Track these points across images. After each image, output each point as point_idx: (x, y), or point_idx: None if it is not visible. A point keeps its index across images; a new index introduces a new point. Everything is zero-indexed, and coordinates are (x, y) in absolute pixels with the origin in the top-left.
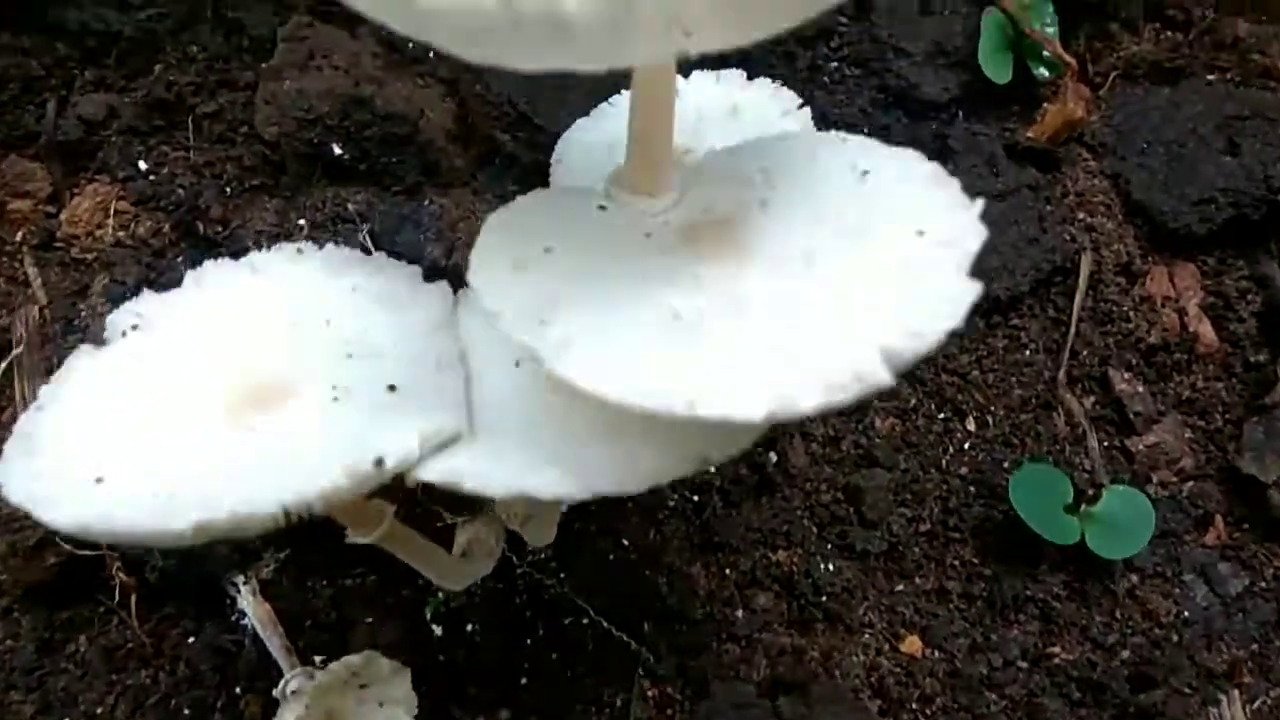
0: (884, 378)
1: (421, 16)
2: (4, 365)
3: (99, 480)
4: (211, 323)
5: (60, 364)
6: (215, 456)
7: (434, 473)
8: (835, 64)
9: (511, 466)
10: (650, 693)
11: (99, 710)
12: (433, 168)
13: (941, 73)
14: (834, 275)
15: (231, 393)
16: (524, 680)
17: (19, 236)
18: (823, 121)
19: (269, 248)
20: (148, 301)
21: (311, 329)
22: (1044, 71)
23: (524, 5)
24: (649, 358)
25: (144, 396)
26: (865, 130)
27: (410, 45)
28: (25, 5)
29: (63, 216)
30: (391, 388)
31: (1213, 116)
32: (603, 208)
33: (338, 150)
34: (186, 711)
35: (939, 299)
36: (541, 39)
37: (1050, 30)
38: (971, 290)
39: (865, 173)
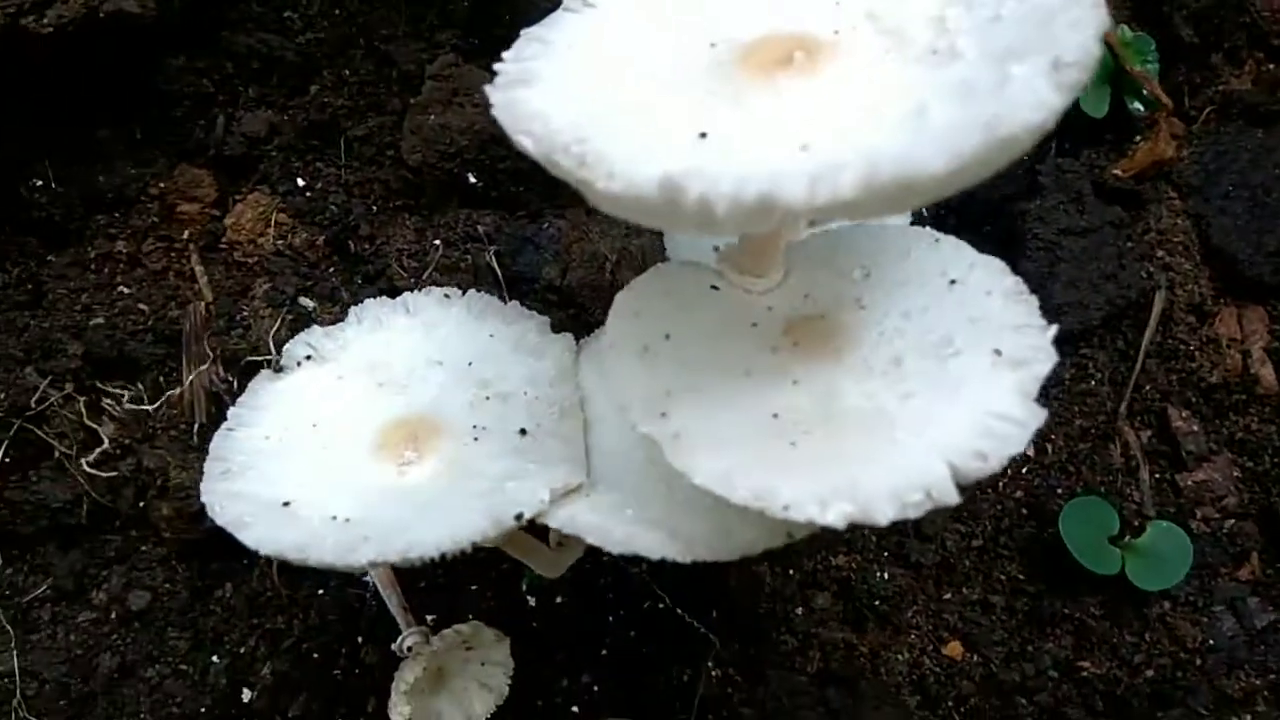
0: (952, 497)
1: (599, 199)
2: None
3: (286, 504)
4: (372, 358)
5: (222, 354)
6: (383, 493)
7: (559, 520)
8: None
9: (625, 525)
10: (714, 674)
11: (241, 650)
12: (553, 192)
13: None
14: (917, 387)
15: (392, 426)
16: (604, 651)
17: (186, 235)
18: None
19: (408, 266)
20: (318, 335)
21: (456, 370)
22: (1140, 107)
23: (684, 198)
24: (749, 459)
25: (318, 425)
26: None
27: None
28: (199, 29)
29: (227, 222)
30: (522, 431)
31: None
32: (715, 288)
33: (472, 179)
34: (315, 656)
35: (1007, 424)
36: (693, 225)
37: (1151, 67)
38: (1037, 417)
39: (953, 281)
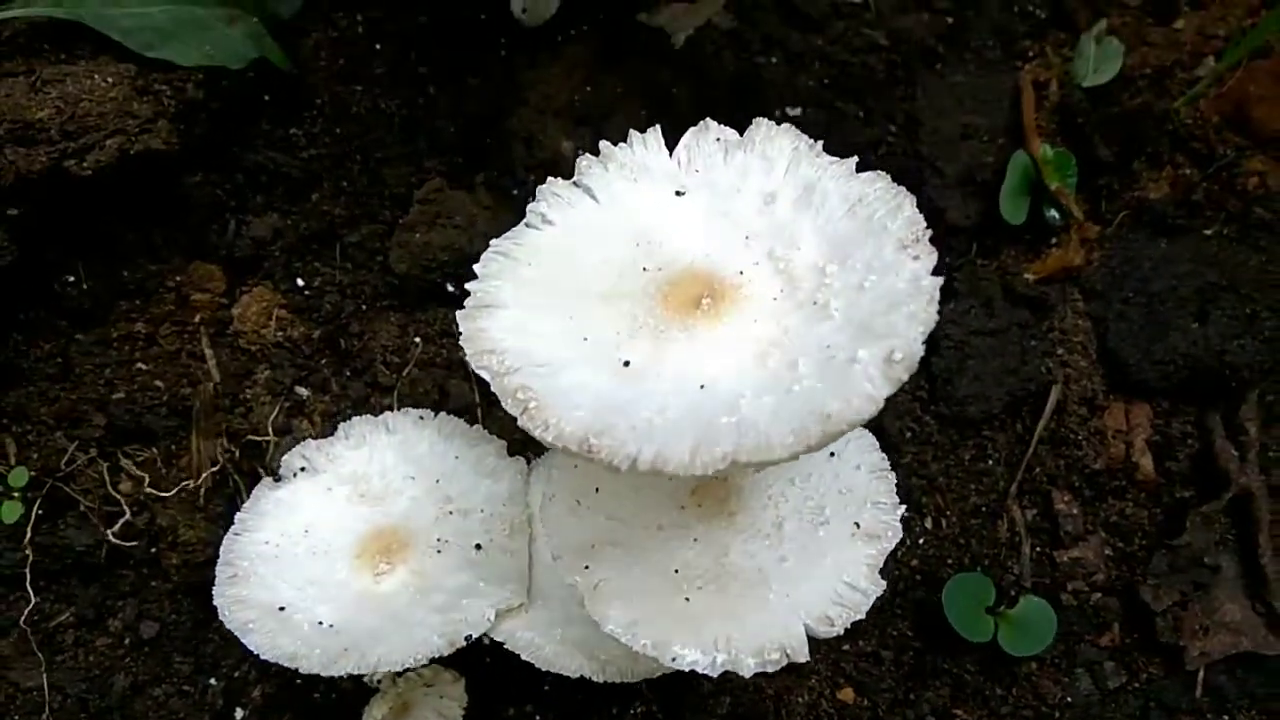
0: (804, 656)
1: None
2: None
3: (281, 609)
4: (356, 471)
5: (226, 430)
6: (360, 600)
7: (501, 634)
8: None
9: (554, 645)
10: (639, 709)
11: (235, 674)
12: None
13: (967, 199)
14: (791, 551)
15: (370, 537)
16: (546, 688)
17: (198, 319)
18: None
19: (391, 362)
20: (312, 448)
21: (426, 486)
22: (1055, 216)
23: (598, 458)
24: (652, 611)
25: (310, 532)
26: None
27: (515, 194)
28: (215, 149)
29: (234, 311)
30: (478, 546)
31: (1194, 280)
32: None
33: (450, 288)
34: (298, 681)
35: (855, 594)
36: None
37: (1070, 181)
38: (878, 589)
39: (833, 454)
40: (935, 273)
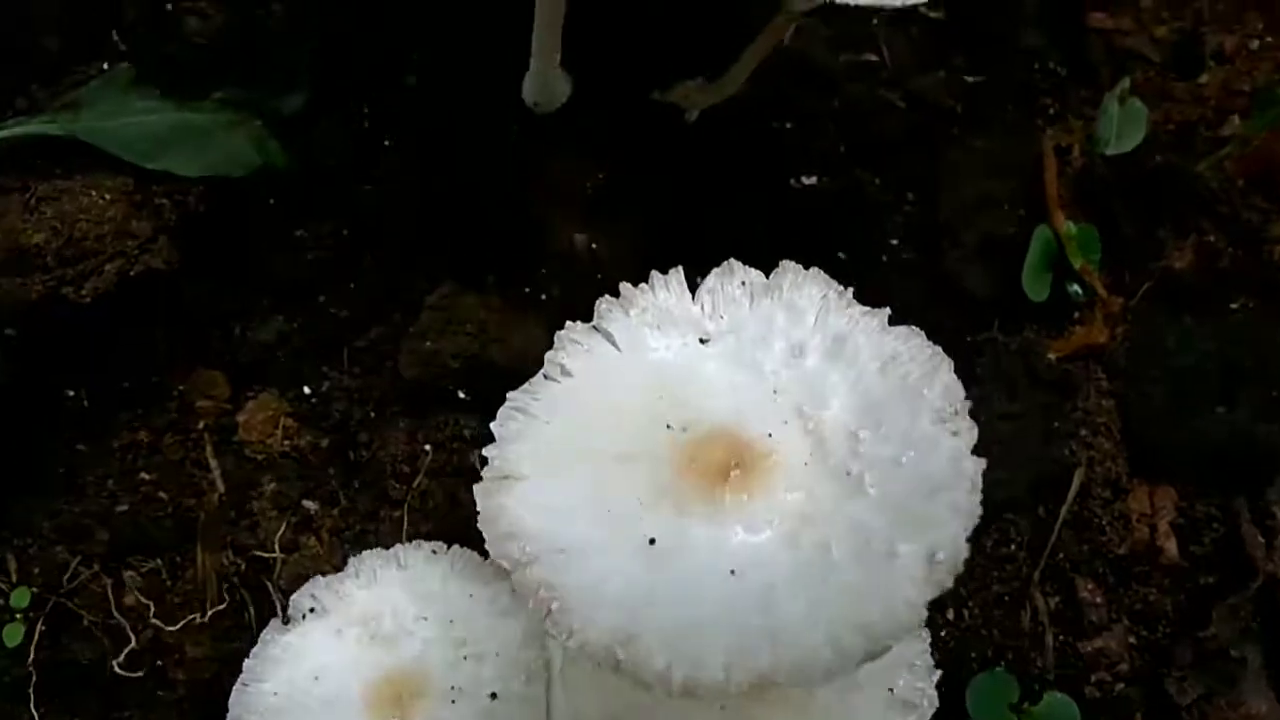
0: None
1: None
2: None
3: None
4: (367, 611)
5: (232, 543)
6: None
7: None
8: (896, 242)
9: None
10: None
11: None
12: None
13: (987, 270)
14: None
15: (382, 683)
16: None
17: (201, 425)
18: (871, 298)
19: (401, 473)
20: (321, 587)
21: (439, 627)
22: (1079, 292)
23: (626, 673)
24: None
25: (320, 678)
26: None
27: (528, 291)
28: (219, 255)
29: (239, 419)
30: (493, 695)
31: (1221, 358)
32: None
33: (462, 395)
34: None
35: None
36: None
37: (1095, 259)
38: None
39: None
40: (976, 452)
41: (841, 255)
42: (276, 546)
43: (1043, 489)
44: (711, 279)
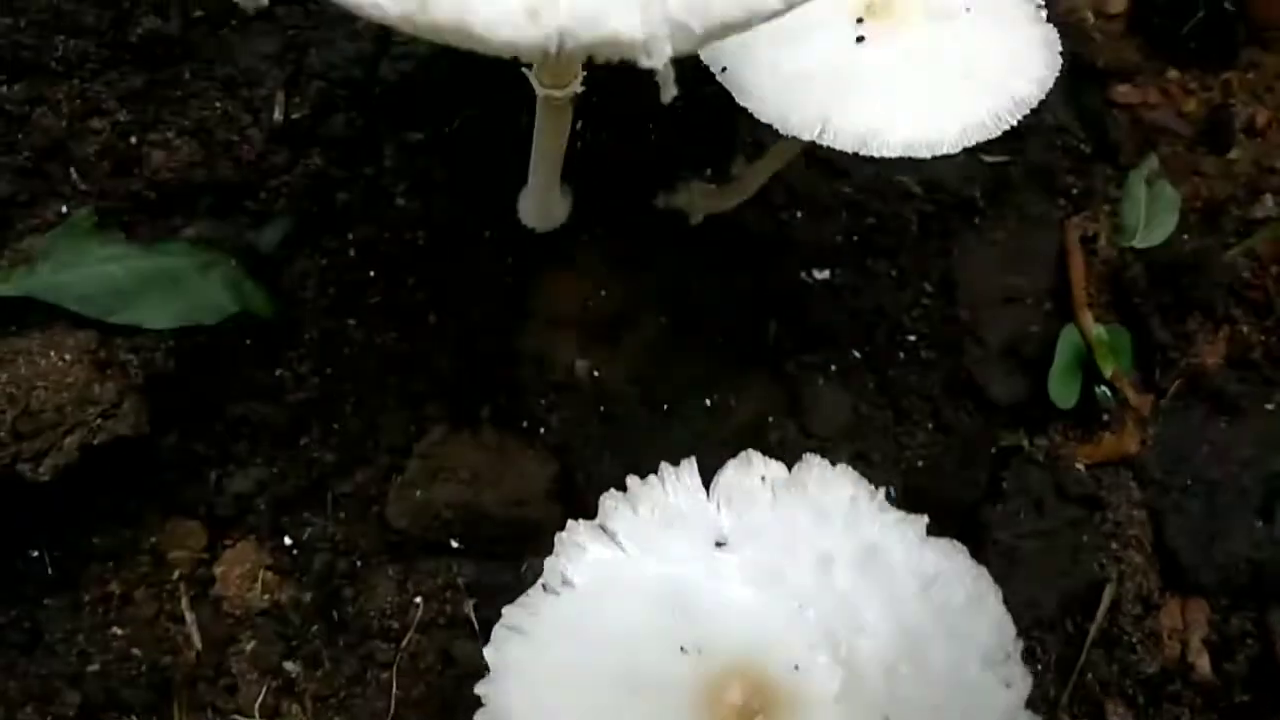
0: None
1: None
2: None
3: None
4: None
5: (210, 705)
6: None
7: None
8: (914, 338)
9: None
10: None
11: None
12: (532, 534)
13: (1011, 373)
14: None
15: None
16: None
17: (176, 575)
18: (892, 407)
19: (389, 629)
20: None
21: None
22: (1108, 395)
23: None
24: None
25: None
26: (931, 426)
27: (525, 426)
28: (191, 406)
29: (216, 571)
30: None
31: (1258, 468)
32: None
33: (454, 544)
34: None
35: None
36: None
37: (1126, 364)
38: None
39: None
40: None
41: (856, 354)
42: (256, 713)
43: (1071, 605)
44: (729, 472)
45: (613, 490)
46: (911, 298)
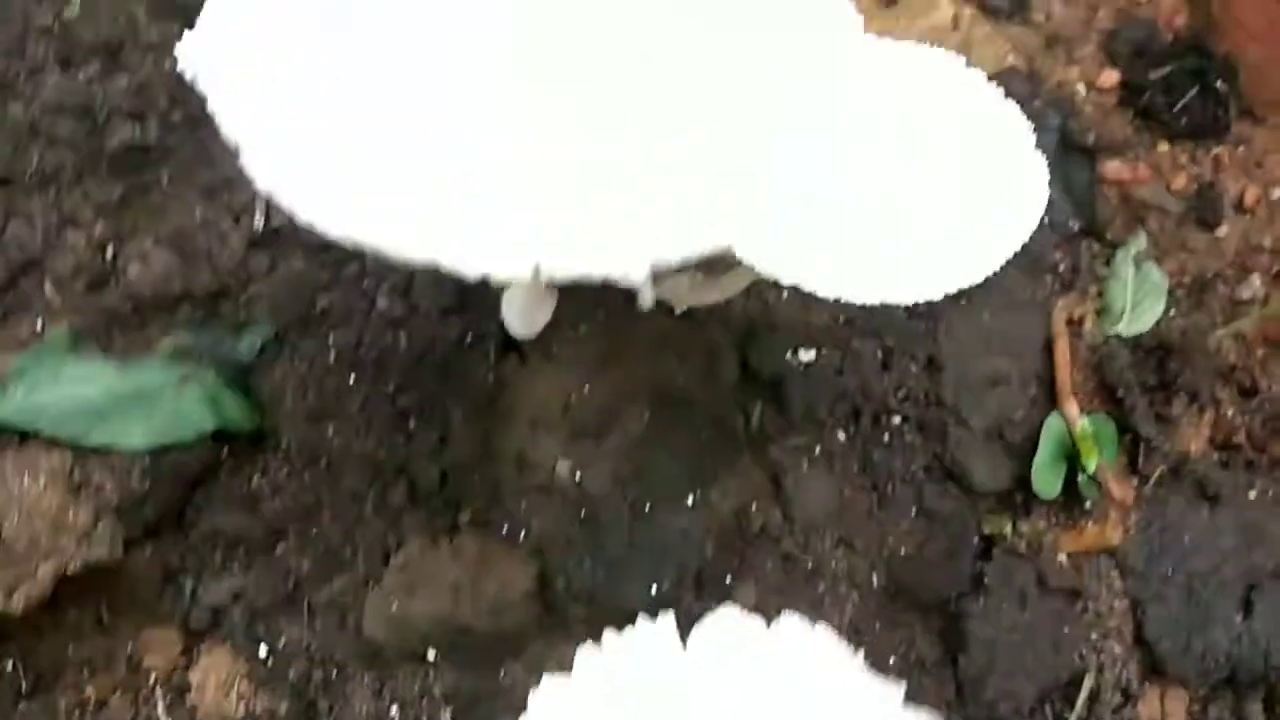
0: None
1: None
2: None
3: None
4: None
5: None
6: None
7: None
8: (898, 420)
9: None
10: None
11: None
12: (512, 641)
13: (995, 459)
14: None
15: None
16: None
17: (152, 681)
18: (873, 489)
19: None
20: None
21: None
22: (1092, 486)
23: None
24: None
25: None
26: (914, 512)
27: (506, 528)
28: (165, 520)
29: (192, 679)
30: None
31: (1239, 560)
32: None
33: (431, 655)
34: None
35: None
36: None
37: (1110, 455)
38: None
39: None
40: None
41: (841, 436)
42: None
43: (1051, 694)
44: (707, 626)
45: (589, 642)
46: (897, 379)
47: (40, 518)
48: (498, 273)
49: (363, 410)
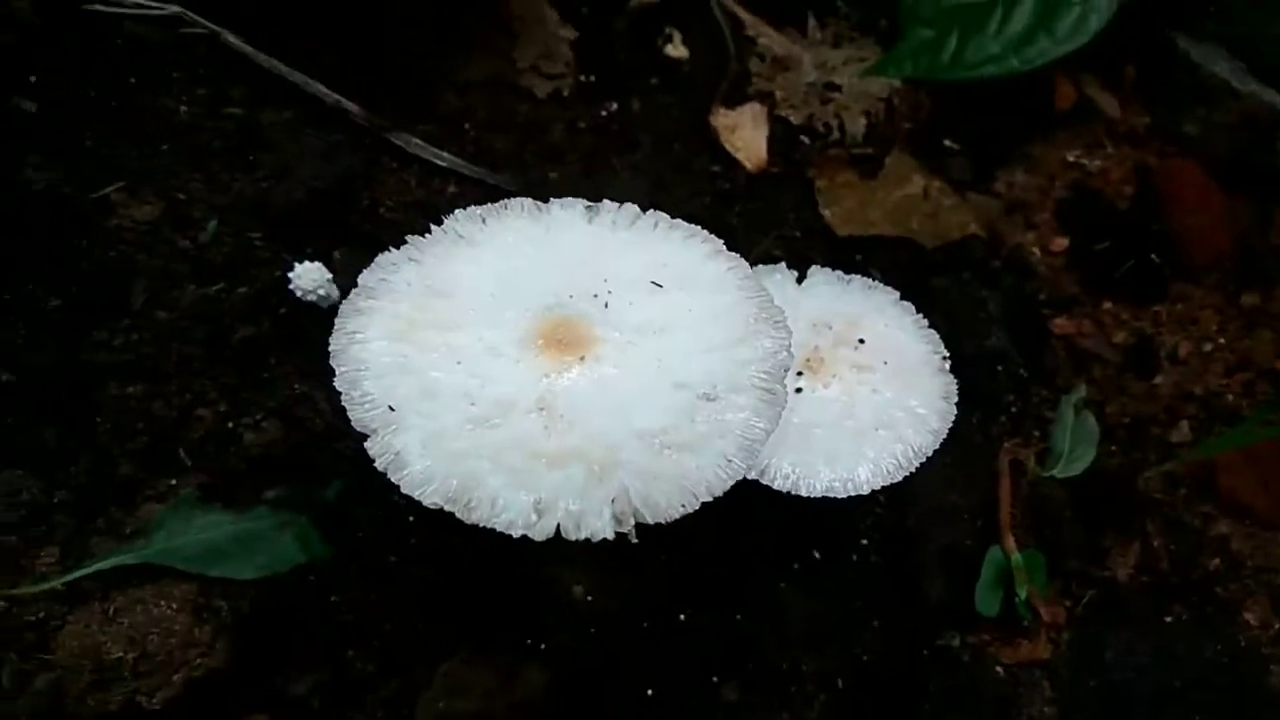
0: None
1: None
2: None
3: None
4: None
5: None
6: None
7: None
8: (866, 542)
9: None
10: None
11: None
12: None
13: (947, 579)
14: None
15: None
16: None
17: None
18: (841, 595)
19: None
20: None
21: None
22: (1026, 610)
23: None
24: None
25: None
26: (876, 624)
27: (529, 641)
28: (272, 634)
29: None
30: None
31: (1152, 677)
32: None
33: None
34: None
35: None
36: None
37: (1041, 582)
38: None
39: None
40: None
41: (816, 554)
42: None
43: None
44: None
45: None
46: (868, 508)
47: (175, 635)
48: (526, 531)
49: (421, 546)
